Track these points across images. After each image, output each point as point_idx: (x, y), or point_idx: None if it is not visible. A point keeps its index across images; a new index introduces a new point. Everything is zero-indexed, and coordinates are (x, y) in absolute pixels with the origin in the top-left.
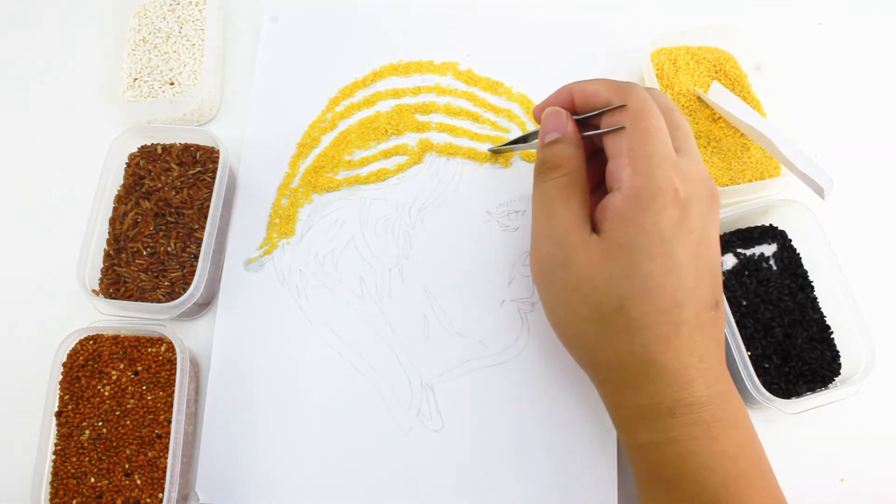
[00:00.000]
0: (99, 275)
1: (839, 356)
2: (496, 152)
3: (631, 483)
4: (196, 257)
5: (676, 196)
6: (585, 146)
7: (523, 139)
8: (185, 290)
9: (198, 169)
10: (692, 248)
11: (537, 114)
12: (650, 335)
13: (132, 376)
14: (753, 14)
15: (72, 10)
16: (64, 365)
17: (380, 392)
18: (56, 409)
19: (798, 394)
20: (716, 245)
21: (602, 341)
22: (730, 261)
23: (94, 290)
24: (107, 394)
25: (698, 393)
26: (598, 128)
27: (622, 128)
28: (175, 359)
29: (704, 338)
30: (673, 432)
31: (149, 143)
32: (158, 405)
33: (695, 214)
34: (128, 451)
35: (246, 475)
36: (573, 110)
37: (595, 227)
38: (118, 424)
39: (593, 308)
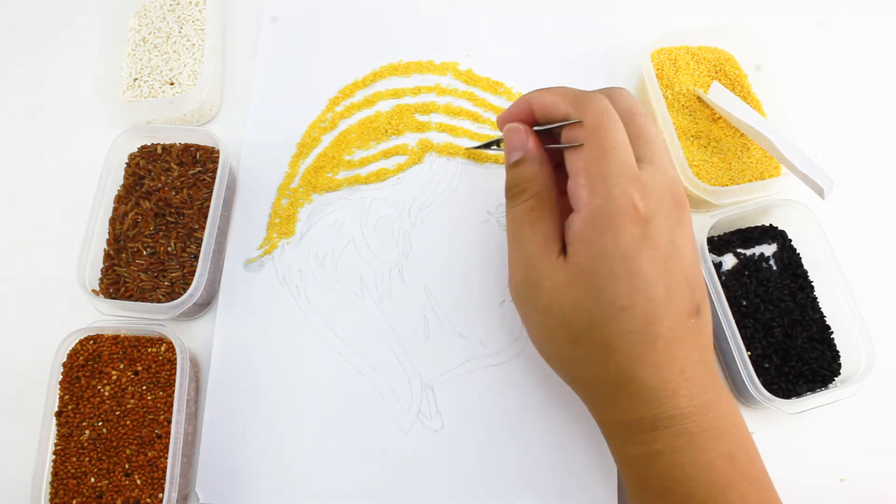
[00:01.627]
0: (99, 275)
1: (839, 356)
2: (483, 147)
3: None
4: (196, 257)
5: (636, 213)
6: (555, 156)
7: (496, 143)
8: (185, 290)
9: (198, 169)
10: (659, 263)
11: (500, 124)
12: (624, 354)
13: (132, 376)
14: (753, 14)
15: (72, 10)
16: (64, 365)
17: (380, 392)
18: (56, 409)
19: (798, 394)
20: (689, 253)
21: (579, 362)
22: (730, 261)
23: (94, 290)
24: (107, 394)
25: (682, 405)
26: (559, 140)
27: (580, 145)
28: (175, 359)
29: (685, 348)
30: (657, 444)
31: (149, 143)
32: (158, 405)
33: (659, 229)
34: (128, 451)
35: (246, 475)
36: (535, 122)
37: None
38: (118, 424)
39: (566, 330)
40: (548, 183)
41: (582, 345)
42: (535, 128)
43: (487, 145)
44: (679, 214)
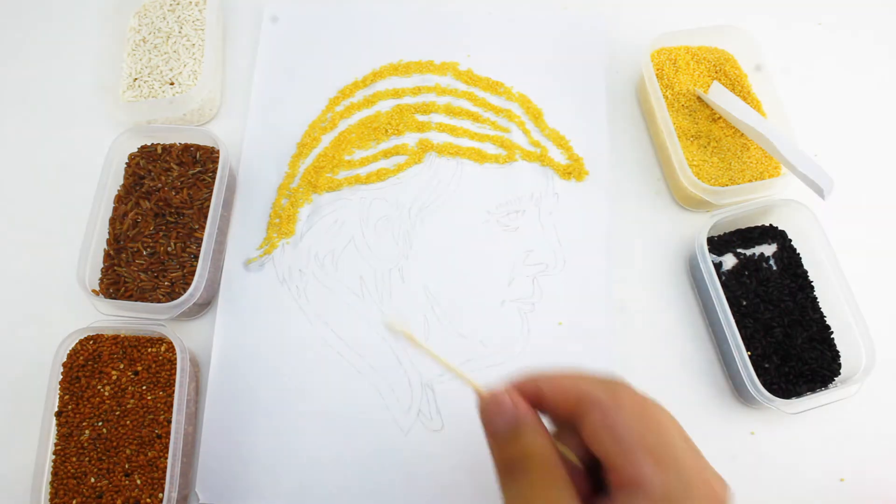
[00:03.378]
0: (99, 275)
1: (839, 356)
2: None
3: None
4: (196, 257)
5: (714, 496)
6: None
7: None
8: (185, 290)
9: (198, 169)
10: None
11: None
12: None
13: (132, 376)
14: (753, 14)
15: (72, 10)
16: (64, 365)
17: (380, 392)
18: (56, 409)
19: (798, 394)
20: None
21: None
22: (730, 261)
23: (94, 290)
24: (107, 394)
25: None
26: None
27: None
28: (175, 359)
29: None
30: None
31: (149, 143)
32: (158, 405)
33: None
34: (128, 451)
35: (246, 475)
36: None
37: None
38: (118, 424)
39: None
40: (556, 456)
41: None
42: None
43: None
44: None
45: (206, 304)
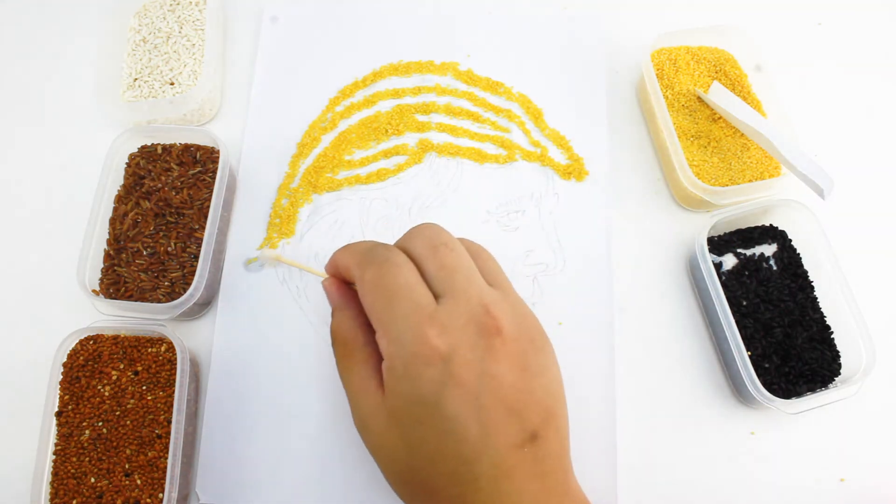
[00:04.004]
0: (99, 275)
1: (839, 356)
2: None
3: (630, 484)
4: (196, 257)
5: (435, 352)
6: None
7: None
8: (185, 290)
9: (198, 169)
10: (469, 400)
11: (326, 271)
12: (446, 496)
13: (132, 376)
14: (753, 14)
15: (72, 11)
16: (64, 365)
17: None
18: (56, 409)
19: (798, 394)
20: (509, 380)
21: (413, 501)
22: (730, 261)
23: (94, 290)
24: (107, 394)
25: None
26: None
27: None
28: (175, 359)
29: (516, 482)
30: None
31: (149, 143)
32: (158, 405)
33: (463, 364)
34: (128, 451)
35: (246, 475)
36: None
37: None
38: (118, 424)
39: (394, 472)
40: (355, 328)
41: (410, 485)
42: None
43: None
44: (488, 342)
45: (206, 304)
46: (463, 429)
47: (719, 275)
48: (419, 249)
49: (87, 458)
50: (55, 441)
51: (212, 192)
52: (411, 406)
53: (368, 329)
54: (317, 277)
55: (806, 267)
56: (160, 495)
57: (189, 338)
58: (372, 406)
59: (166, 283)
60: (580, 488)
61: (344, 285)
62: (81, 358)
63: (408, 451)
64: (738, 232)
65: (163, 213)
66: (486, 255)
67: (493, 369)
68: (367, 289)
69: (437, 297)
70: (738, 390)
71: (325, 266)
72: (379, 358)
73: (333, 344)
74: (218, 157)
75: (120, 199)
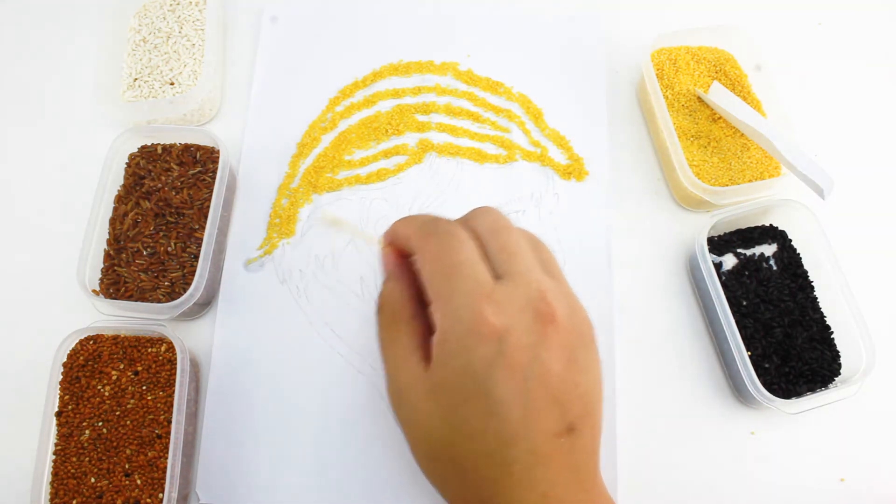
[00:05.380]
0: (99, 275)
1: (839, 356)
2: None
3: (632, 483)
4: (196, 257)
5: (491, 330)
6: None
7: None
8: (185, 290)
9: (198, 169)
10: (517, 382)
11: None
12: (479, 477)
13: (132, 376)
14: (753, 14)
15: (72, 10)
16: (64, 365)
17: (380, 392)
18: (56, 409)
19: (798, 394)
20: (557, 370)
21: (440, 479)
22: (730, 261)
23: (94, 290)
24: (107, 394)
25: None
26: None
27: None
28: (175, 359)
29: (549, 471)
30: None
31: (149, 143)
32: (158, 405)
33: (517, 346)
34: (128, 451)
35: (246, 475)
36: None
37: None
38: (118, 424)
39: (426, 445)
40: (405, 299)
41: (440, 462)
42: None
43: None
44: (542, 329)
45: (206, 304)
46: (507, 409)
47: (719, 275)
48: (482, 229)
49: (87, 458)
50: (55, 441)
51: (212, 192)
52: (459, 381)
53: (417, 303)
54: (316, 276)
55: (806, 267)
56: (160, 495)
57: (189, 338)
58: (412, 378)
59: (166, 283)
60: (605, 487)
61: (401, 256)
62: (81, 358)
63: (447, 426)
64: (738, 232)
65: (163, 213)
66: (543, 247)
67: (543, 356)
68: (428, 259)
69: (495, 277)
70: (738, 390)
71: (383, 234)
72: (424, 333)
73: (379, 312)
74: (218, 157)
75: (120, 199)
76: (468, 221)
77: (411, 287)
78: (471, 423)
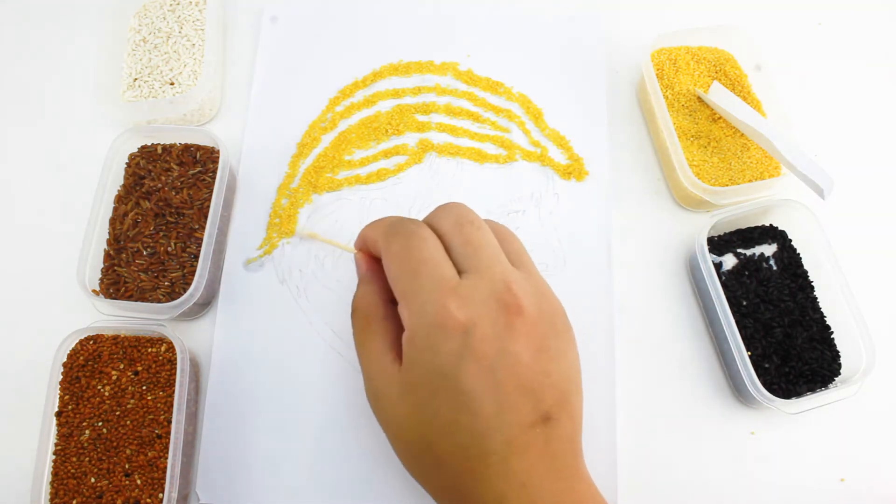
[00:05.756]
0: (99, 275)
1: (839, 356)
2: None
3: (632, 483)
4: (196, 257)
5: (455, 324)
6: None
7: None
8: (185, 290)
9: (198, 169)
10: (485, 375)
11: (355, 246)
12: (455, 470)
13: (132, 376)
14: (753, 14)
15: (72, 10)
16: (64, 365)
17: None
18: (56, 409)
19: (798, 394)
20: (526, 359)
21: (420, 474)
22: (730, 261)
23: (94, 290)
24: (107, 394)
25: None
26: None
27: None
28: (175, 359)
29: (526, 460)
30: None
31: (149, 143)
32: (158, 405)
33: (483, 338)
34: (128, 451)
35: (246, 475)
36: None
37: None
38: (118, 424)
39: (404, 443)
40: (377, 302)
41: (420, 458)
42: None
43: None
44: (508, 320)
45: (206, 304)
46: (478, 403)
47: (719, 275)
48: (446, 226)
49: (87, 458)
50: (55, 441)
51: (212, 192)
52: (429, 377)
53: (390, 305)
54: (316, 276)
55: (806, 267)
56: (160, 495)
57: (189, 338)
58: (386, 378)
59: (166, 283)
60: (589, 474)
61: (373, 260)
62: (81, 358)
63: (421, 422)
64: (738, 232)
65: (163, 213)
66: (512, 237)
67: (511, 347)
68: (392, 259)
69: (460, 273)
70: (738, 390)
71: (354, 242)
72: (396, 333)
73: (353, 315)
74: (218, 157)
75: (120, 199)
76: (433, 219)
77: (384, 290)
78: (443, 417)
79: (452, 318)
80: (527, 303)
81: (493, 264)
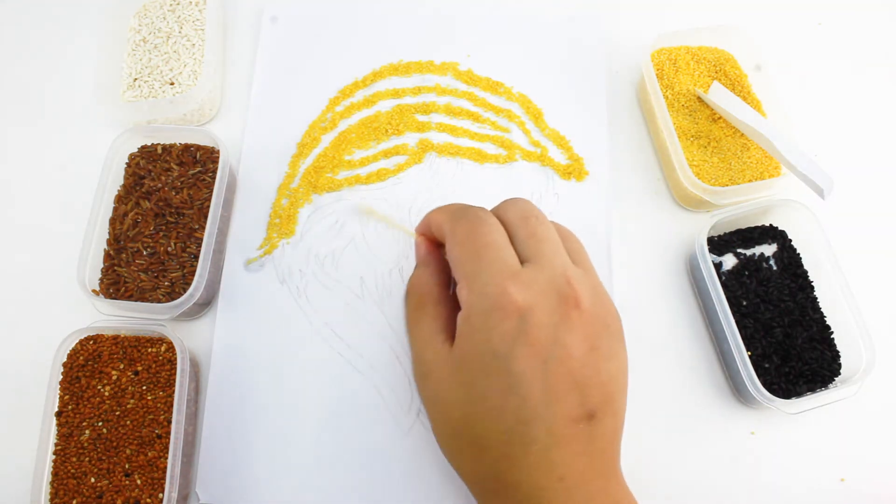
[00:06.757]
0: (99, 275)
1: (839, 356)
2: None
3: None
4: (196, 257)
5: (514, 307)
6: None
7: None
8: (185, 290)
9: (198, 169)
10: (537, 362)
11: (416, 232)
12: (495, 455)
13: (132, 376)
14: (753, 14)
15: (72, 10)
16: (64, 365)
17: (380, 392)
18: (56, 409)
19: (798, 394)
20: (579, 354)
21: (458, 456)
22: (730, 261)
23: (94, 290)
24: (107, 394)
25: None
26: None
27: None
28: (175, 359)
29: (567, 454)
30: None
31: (149, 143)
32: (158, 405)
33: (539, 325)
34: (128, 451)
35: (246, 475)
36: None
37: None
38: (118, 424)
39: (447, 423)
40: (432, 285)
41: (460, 439)
42: None
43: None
44: (565, 311)
45: (206, 304)
46: (526, 387)
47: (719, 275)
48: (511, 217)
49: (87, 458)
50: (55, 441)
51: (212, 192)
52: (481, 357)
53: (444, 289)
54: (316, 276)
55: (806, 267)
56: (160, 495)
57: (189, 338)
58: (437, 357)
59: (166, 283)
60: (624, 478)
61: (431, 244)
62: (81, 358)
63: (468, 402)
64: (738, 232)
65: (163, 213)
66: (573, 238)
67: (565, 339)
68: (457, 242)
69: (522, 262)
70: (738, 390)
71: (416, 226)
72: (448, 317)
73: (408, 296)
74: (218, 157)
75: (120, 199)
76: (499, 210)
77: (440, 274)
78: (491, 398)
79: (511, 301)
80: (585, 298)
81: (555, 257)
